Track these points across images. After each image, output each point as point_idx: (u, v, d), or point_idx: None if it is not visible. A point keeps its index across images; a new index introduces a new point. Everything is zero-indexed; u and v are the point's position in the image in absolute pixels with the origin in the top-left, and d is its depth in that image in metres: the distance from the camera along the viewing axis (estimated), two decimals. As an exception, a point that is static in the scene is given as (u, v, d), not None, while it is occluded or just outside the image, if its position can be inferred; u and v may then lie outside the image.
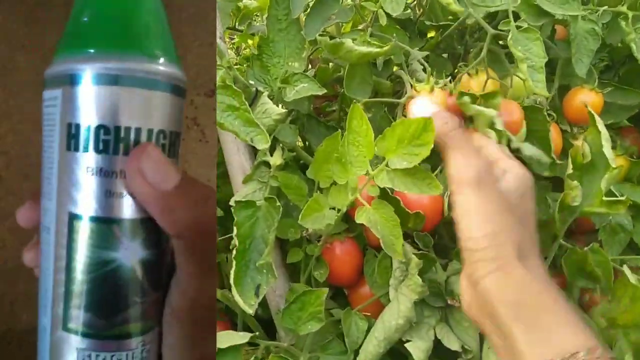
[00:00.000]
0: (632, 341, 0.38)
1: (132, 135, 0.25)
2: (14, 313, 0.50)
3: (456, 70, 0.48)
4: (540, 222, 0.45)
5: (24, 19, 0.48)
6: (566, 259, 0.41)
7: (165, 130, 0.26)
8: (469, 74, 0.45)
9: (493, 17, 0.49)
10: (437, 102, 0.42)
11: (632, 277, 0.40)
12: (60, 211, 0.26)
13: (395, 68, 0.50)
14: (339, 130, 0.46)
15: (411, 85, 0.43)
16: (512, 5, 0.42)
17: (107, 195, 0.25)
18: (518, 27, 0.41)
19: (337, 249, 0.41)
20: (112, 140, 0.25)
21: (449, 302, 0.39)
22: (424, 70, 0.48)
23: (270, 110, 0.38)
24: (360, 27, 0.45)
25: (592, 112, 0.43)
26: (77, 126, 0.25)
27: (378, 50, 0.40)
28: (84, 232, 0.26)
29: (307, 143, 0.49)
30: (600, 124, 0.43)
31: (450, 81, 0.44)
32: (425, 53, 0.48)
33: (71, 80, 0.25)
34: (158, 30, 0.27)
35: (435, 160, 0.51)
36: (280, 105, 0.40)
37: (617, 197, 0.50)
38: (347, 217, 0.41)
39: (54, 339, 0.27)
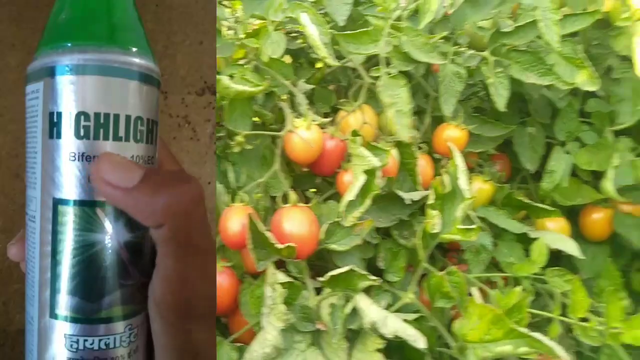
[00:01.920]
0: (479, 356, 0.43)
1: (111, 121, 0.26)
2: (8, 313, 0.50)
3: (339, 104, 0.51)
4: (407, 247, 0.51)
5: (14, 19, 0.48)
6: (427, 281, 0.46)
7: (142, 116, 0.27)
8: (346, 111, 0.48)
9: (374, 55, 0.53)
10: (313, 139, 0.44)
11: (479, 298, 0.45)
12: (44, 197, 0.27)
13: (284, 97, 0.53)
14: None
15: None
16: (384, 52, 0.45)
17: (90, 179, 0.27)
18: (389, 73, 0.45)
19: (215, 278, 0.43)
20: (92, 126, 0.26)
21: (317, 326, 0.42)
22: (310, 102, 0.51)
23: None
24: (241, 62, 0.47)
25: (452, 147, 0.48)
26: (59, 114, 0.26)
27: (253, 89, 0.41)
28: (68, 216, 0.27)
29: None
30: (459, 158, 0.47)
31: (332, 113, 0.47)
32: (311, 86, 0.51)
33: (52, 72, 0.27)
34: (130, 25, 0.28)
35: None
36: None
37: (484, 221, 0.56)
38: (223, 247, 0.42)
39: (42, 327, 0.27)
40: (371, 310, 0.40)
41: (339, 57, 0.51)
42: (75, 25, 0.27)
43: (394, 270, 0.49)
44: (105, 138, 0.26)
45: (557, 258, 0.56)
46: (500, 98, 0.51)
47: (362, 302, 0.41)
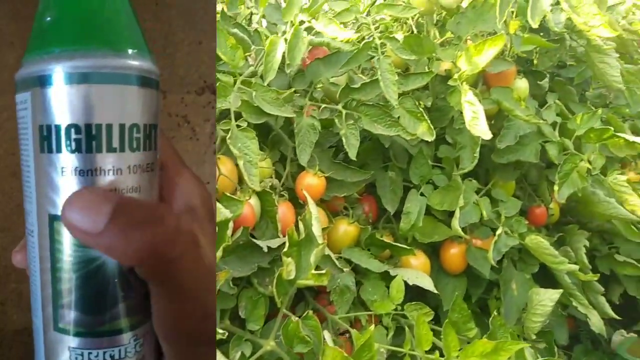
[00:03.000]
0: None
1: (104, 132, 0.25)
2: (5, 313, 0.50)
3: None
4: (266, 295, 0.51)
5: (12, 16, 0.47)
6: (284, 328, 0.47)
7: (138, 123, 0.26)
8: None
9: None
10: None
11: (330, 341, 0.47)
12: (40, 213, 0.26)
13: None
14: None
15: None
16: (235, 107, 0.48)
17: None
18: (239, 126, 0.47)
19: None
20: (84, 138, 0.25)
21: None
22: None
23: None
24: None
25: (307, 195, 0.51)
26: (49, 127, 0.25)
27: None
28: (65, 232, 0.26)
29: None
30: (312, 205, 0.50)
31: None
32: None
33: (38, 82, 0.25)
34: (123, 24, 0.26)
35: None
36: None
37: (349, 263, 0.58)
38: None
39: (47, 340, 0.27)
40: (219, 364, 0.40)
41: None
42: (61, 28, 0.25)
43: (255, 319, 0.49)
44: (98, 150, 0.25)
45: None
46: (352, 148, 0.55)
47: (211, 356, 0.41)
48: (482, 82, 0.65)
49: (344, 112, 0.56)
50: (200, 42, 0.53)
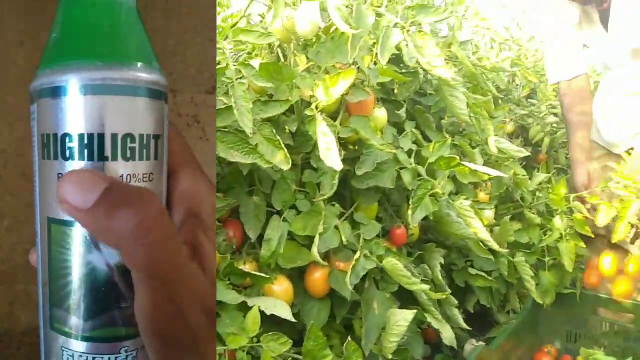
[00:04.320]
0: None
1: (95, 141, 0.26)
2: (13, 314, 0.50)
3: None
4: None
5: (21, 15, 0.48)
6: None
7: (133, 133, 0.27)
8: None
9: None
10: None
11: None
12: (41, 216, 0.28)
13: None
14: None
15: None
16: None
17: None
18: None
19: None
20: (76, 147, 0.26)
21: None
22: None
23: None
24: None
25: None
26: (48, 136, 0.27)
27: None
28: (60, 235, 0.27)
29: None
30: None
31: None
32: None
33: (40, 94, 0.27)
34: (121, 34, 0.27)
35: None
36: None
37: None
38: None
39: (45, 337, 0.28)
40: None
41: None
42: (59, 45, 0.27)
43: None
44: (90, 158, 0.26)
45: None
46: (205, 177, 0.52)
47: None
48: (345, 109, 0.67)
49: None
50: (211, 40, 0.52)
